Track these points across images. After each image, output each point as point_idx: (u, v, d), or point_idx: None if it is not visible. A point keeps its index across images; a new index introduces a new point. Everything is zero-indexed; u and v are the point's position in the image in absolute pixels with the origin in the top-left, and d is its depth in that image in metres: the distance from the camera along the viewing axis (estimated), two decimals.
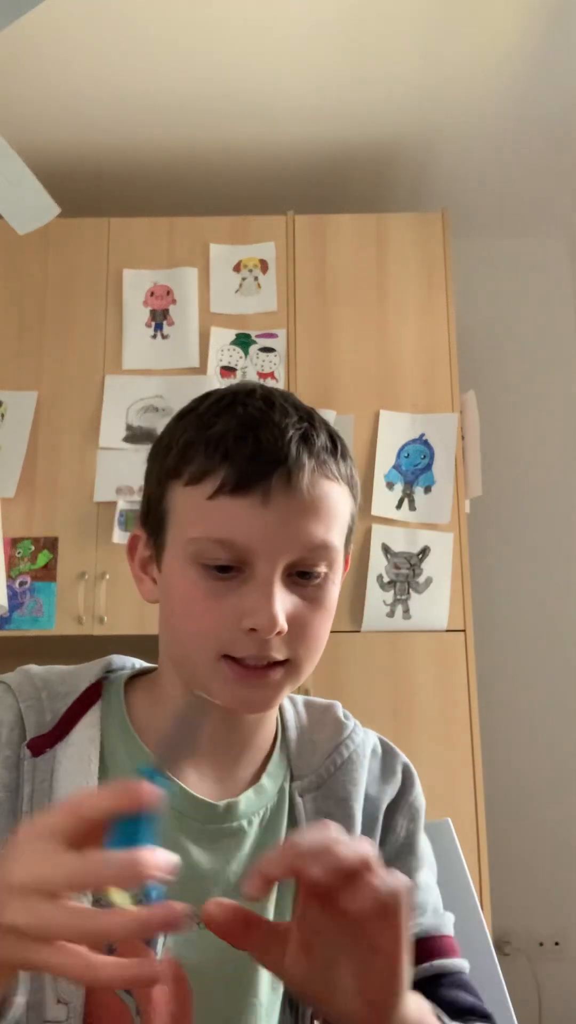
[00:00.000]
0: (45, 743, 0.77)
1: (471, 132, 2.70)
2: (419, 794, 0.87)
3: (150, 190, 2.92)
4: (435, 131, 2.70)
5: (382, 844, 0.83)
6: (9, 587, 2.41)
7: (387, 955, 0.56)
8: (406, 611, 2.36)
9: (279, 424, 0.74)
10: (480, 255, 3.12)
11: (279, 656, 0.72)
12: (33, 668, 0.82)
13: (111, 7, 2.25)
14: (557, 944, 2.72)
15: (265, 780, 0.80)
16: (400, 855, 0.83)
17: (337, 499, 0.76)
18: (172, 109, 2.60)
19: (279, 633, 0.70)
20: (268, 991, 0.73)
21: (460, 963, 0.80)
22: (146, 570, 0.79)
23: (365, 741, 0.86)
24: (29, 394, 2.54)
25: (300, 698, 0.89)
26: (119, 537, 2.42)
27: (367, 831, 0.82)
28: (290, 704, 0.87)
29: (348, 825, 0.79)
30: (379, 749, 0.87)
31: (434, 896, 0.84)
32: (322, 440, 0.76)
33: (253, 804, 0.79)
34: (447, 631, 2.35)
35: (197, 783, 0.78)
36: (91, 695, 0.80)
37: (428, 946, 0.80)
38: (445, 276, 2.60)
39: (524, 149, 2.77)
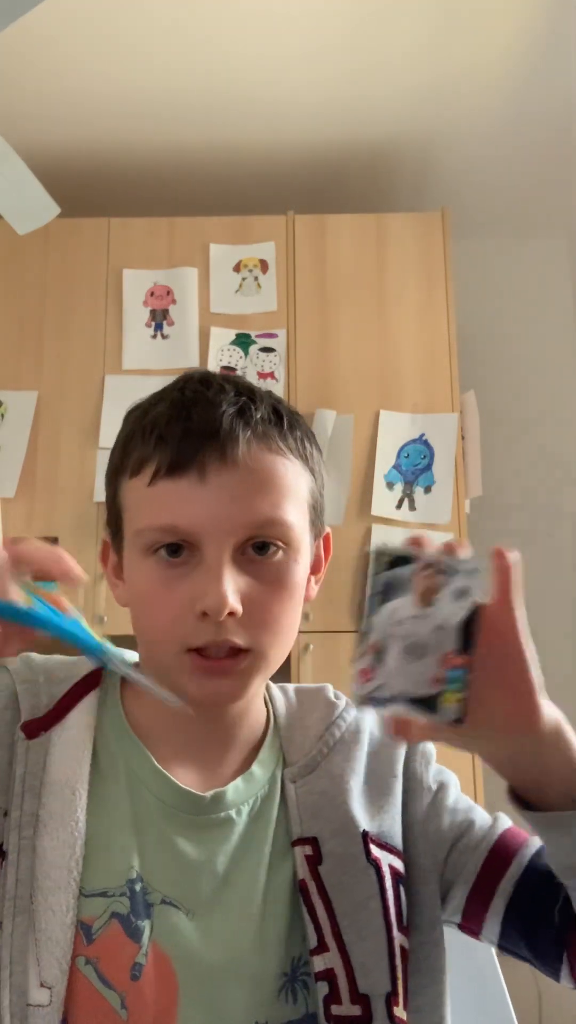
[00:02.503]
0: (40, 726, 0.77)
1: (471, 132, 2.70)
2: (429, 743, 0.86)
3: (150, 190, 2.92)
4: (435, 131, 2.70)
5: (408, 792, 0.82)
6: None
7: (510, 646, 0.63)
8: None
9: (212, 401, 0.73)
10: (480, 255, 3.12)
11: (239, 641, 0.71)
12: (34, 655, 0.82)
13: (111, 7, 2.25)
14: None
15: (255, 768, 0.80)
16: (438, 797, 0.82)
17: (284, 472, 0.73)
18: (172, 109, 2.60)
19: (232, 614, 0.69)
20: (259, 983, 0.72)
21: (533, 840, 0.80)
22: (117, 575, 0.79)
23: (361, 717, 0.85)
24: (29, 394, 2.54)
25: (291, 686, 0.89)
26: None
27: (383, 787, 0.81)
28: (280, 692, 0.87)
29: (346, 800, 0.78)
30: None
31: (477, 806, 0.84)
32: (262, 413, 0.74)
33: (242, 793, 0.78)
34: None
35: (184, 775, 0.77)
36: (89, 682, 0.80)
37: (505, 846, 0.81)
38: (445, 276, 2.60)
39: (524, 149, 2.77)
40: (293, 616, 0.75)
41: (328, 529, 0.82)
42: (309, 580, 0.79)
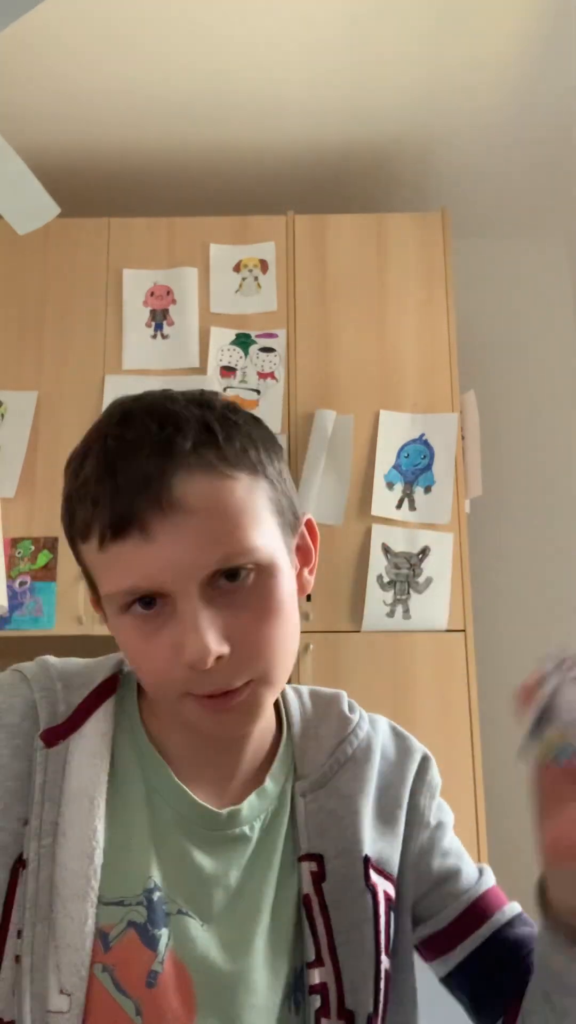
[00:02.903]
0: (58, 735, 0.76)
1: (471, 132, 2.70)
2: (436, 773, 0.87)
3: (150, 190, 2.92)
4: (435, 131, 2.70)
5: (410, 824, 0.83)
6: (9, 587, 2.41)
7: None
8: (406, 611, 2.36)
9: (134, 446, 0.68)
10: (480, 255, 3.12)
11: (237, 682, 0.69)
12: (51, 659, 0.81)
13: (111, 7, 2.25)
14: None
15: (268, 782, 0.80)
16: (435, 835, 0.84)
17: (229, 495, 0.68)
18: (172, 109, 2.60)
19: (220, 658, 0.67)
20: (268, 992, 0.74)
21: (514, 907, 0.84)
22: (98, 607, 0.77)
23: (373, 733, 0.85)
24: (29, 394, 2.54)
25: (306, 689, 0.87)
26: None
27: (388, 815, 0.82)
28: (295, 695, 0.85)
29: (353, 822, 0.79)
30: (390, 731, 0.87)
31: (467, 856, 0.86)
32: (192, 438, 0.68)
33: (255, 809, 0.78)
34: (447, 631, 2.35)
35: (199, 788, 0.78)
36: (106, 688, 0.80)
37: (484, 905, 0.83)
38: (445, 276, 2.60)
39: (524, 149, 2.77)
40: (286, 631, 0.72)
41: (308, 514, 0.79)
42: (302, 572, 0.77)
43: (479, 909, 0.83)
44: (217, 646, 0.66)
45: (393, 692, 2.31)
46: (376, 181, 2.90)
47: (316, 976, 0.74)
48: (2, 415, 2.53)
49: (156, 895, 0.73)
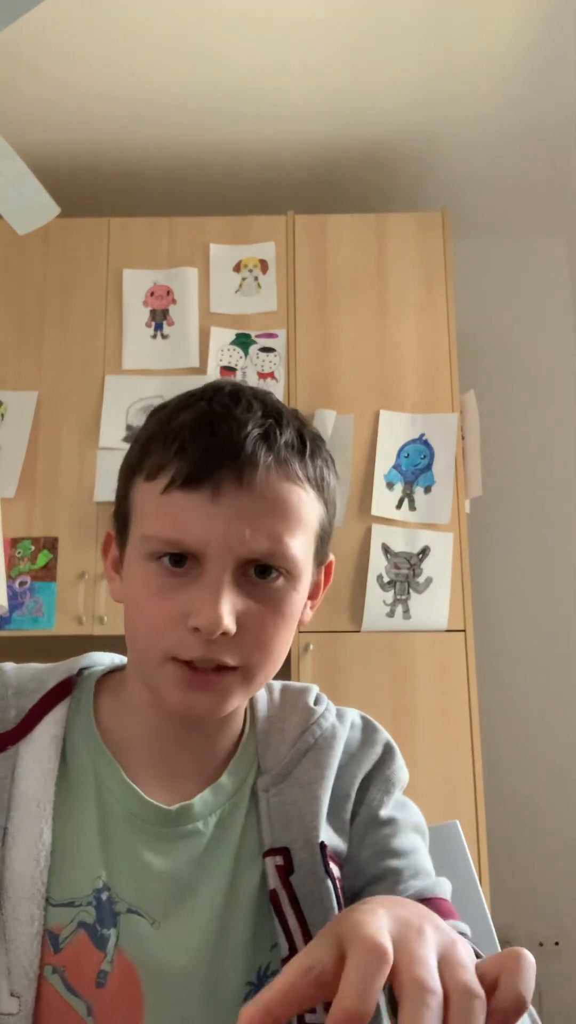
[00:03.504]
0: (7, 740, 0.76)
1: (471, 132, 2.70)
2: (399, 768, 0.84)
3: (150, 190, 2.92)
4: (435, 131, 2.70)
5: (354, 816, 0.80)
6: (9, 587, 2.41)
7: None
8: (406, 611, 2.36)
9: (239, 419, 0.72)
10: (480, 255, 3.12)
11: (229, 661, 0.70)
12: (7, 666, 0.82)
13: (111, 7, 2.25)
14: (557, 944, 2.72)
15: (225, 778, 0.79)
16: (384, 831, 0.80)
17: (298, 503, 0.73)
18: (172, 109, 2.60)
19: (225, 634, 0.68)
20: (225, 990, 0.73)
21: (459, 925, 0.75)
22: (116, 569, 0.79)
23: (339, 724, 0.83)
24: (29, 394, 2.54)
25: (278, 684, 0.87)
26: None
27: (337, 805, 0.80)
28: (265, 691, 0.85)
29: (312, 810, 0.77)
30: (359, 723, 0.85)
31: (424, 861, 0.80)
32: (287, 438, 0.73)
33: (209, 805, 0.78)
34: (447, 631, 2.35)
35: (153, 785, 0.77)
36: (59, 692, 0.80)
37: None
38: (445, 276, 2.60)
39: (524, 149, 2.77)
40: (285, 641, 0.74)
41: (331, 558, 0.81)
42: (305, 606, 0.79)
43: None
44: (229, 621, 0.68)
45: (393, 692, 2.31)
46: (376, 181, 2.90)
47: None
48: (2, 415, 2.53)
49: (104, 895, 0.73)
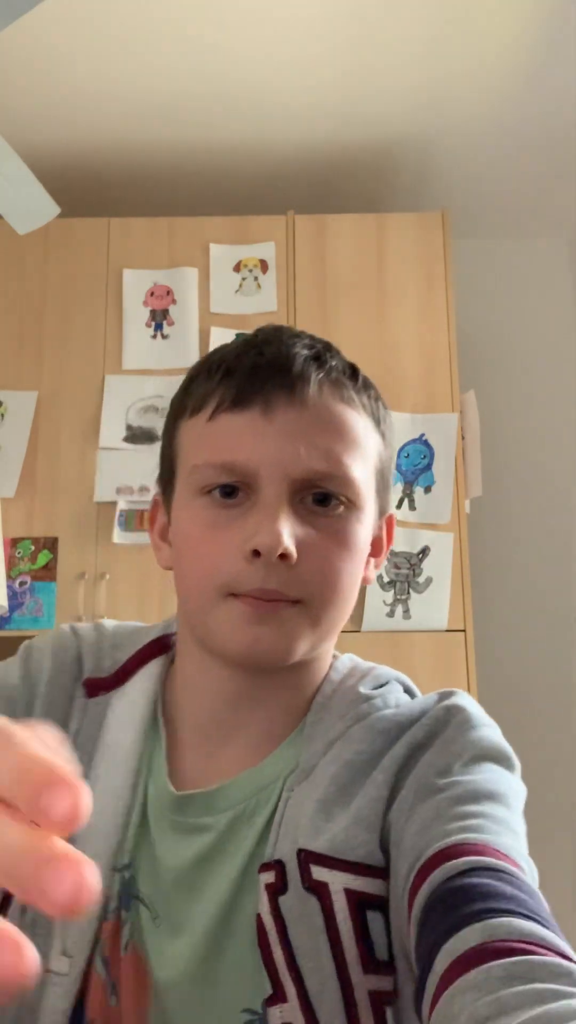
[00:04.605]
0: (100, 687, 0.74)
1: (471, 133, 2.70)
2: (469, 732, 0.65)
3: (150, 190, 2.92)
4: (435, 132, 2.70)
5: (392, 800, 0.64)
6: (9, 587, 2.40)
7: None
8: (406, 611, 2.36)
9: (287, 341, 0.68)
10: (480, 255, 3.12)
11: (289, 592, 0.63)
12: (106, 621, 0.81)
13: (110, 6, 2.25)
14: None
15: (266, 763, 0.69)
16: (419, 795, 0.62)
17: (355, 425, 0.67)
18: (172, 109, 2.60)
19: (285, 557, 0.62)
20: (229, 1013, 0.64)
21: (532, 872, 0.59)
22: (164, 537, 0.73)
23: (387, 714, 0.68)
24: (29, 394, 2.54)
25: (366, 665, 0.75)
26: (119, 537, 2.42)
27: (366, 797, 0.64)
28: (341, 666, 0.75)
29: (310, 808, 0.64)
30: (433, 712, 0.68)
31: (519, 840, 0.61)
32: (338, 363, 0.69)
33: (231, 797, 0.68)
34: (447, 631, 2.35)
35: (193, 763, 0.70)
36: (154, 648, 0.76)
37: (463, 851, 0.56)
38: (445, 276, 2.60)
39: (524, 149, 2.77)
40: (351, 578, 0.67)
41: (393, 511, 0.75)
42: (368, 562, 0.72)
43: (453, 853, 0.56)
44: (288, 541, 0.63)
45: None
46: (376, 182, 2.90)
47: (277, 1016, 0.61)
48: (2, 415, 2.53)
49: (128, 873, 0.69)
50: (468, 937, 0.49)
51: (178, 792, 0.69)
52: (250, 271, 2.62)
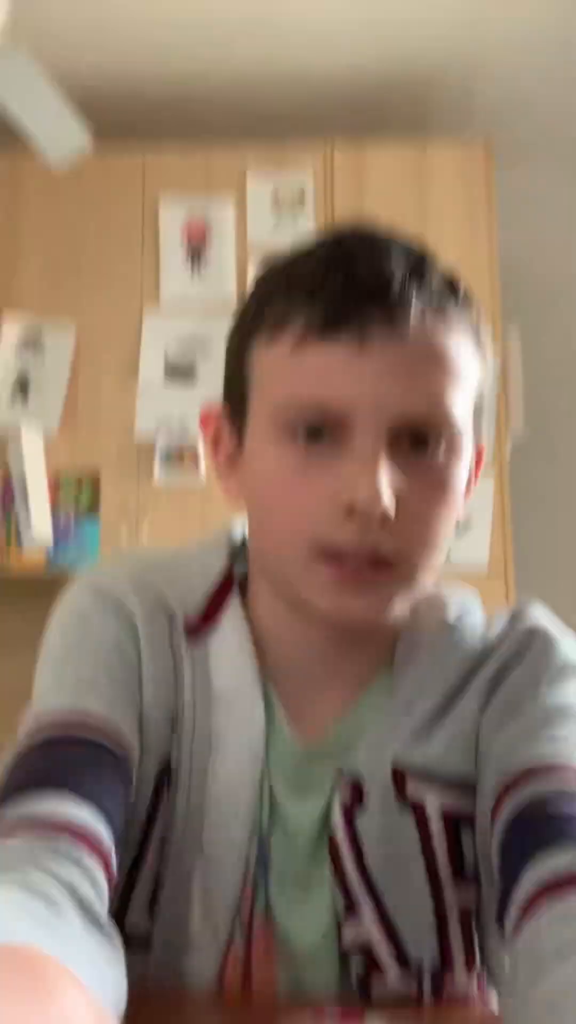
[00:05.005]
0: (199, 630, 0.66)
1: (516, 57, 2.59)
2: (554, 653, 0.65)
3: (187, 114, 2.85)
4: (479, 54, 2.60)
5: (482, 715, 0.65)
6: (54, 522, 2.44)
7: None
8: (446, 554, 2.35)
9: (381, 251, 0.59)
10: (525, 183, 3.02)
11: (385, 547, 0.57)
12: (146, 550, 0.72)
13: None
14: None
15: (364, 703, 0.66)
16: (505, 715, 0.63)
17: (458, 354, 0.60)
18: (210, 33, 2.53)
19: (383, 516, 0.56)
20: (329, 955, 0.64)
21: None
22: (232, 465, 0.66)
23: (475, 642, 0.67)
24: (68, 328, 2.53)
25: (443, 591, 0.72)
26: (161, 476, 2.43)
27: (454, 716, 0.65)
28: (438, 599, 0.71)
29: (397, 727, 0.64)
30: (516, 634, 0.67)
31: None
32: (438, 277, 0.61)
33: (343, 735, 0.65)
34: (486, 574, 2.34)
35: (300, 710, 0.67)
36: (228, 586, 0.69)
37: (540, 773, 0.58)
38: (488, 206, 2.54)
39: (572, 75, 2.66)
40: (449, 527, 0.61)
41: (484, 440, 0.68)
42: None
43: (541, 772, 0.58)
44: (388, 498, 0.56)
45: None
46: (417, 107, 2.81)
47: (352, 932, 0.62)
48: (42, 350, 2.53)
49: (265, 836, 0.65)
50: (556, 862, 0.51)
51: (302, 747, 0.65)
52: (288, 202, 2.57)
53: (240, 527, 0.72)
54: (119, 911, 0.62)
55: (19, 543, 2.40)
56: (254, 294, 0.63)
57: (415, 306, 0.58)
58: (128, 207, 2.60)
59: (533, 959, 0.47)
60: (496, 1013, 0.64)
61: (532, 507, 2.87)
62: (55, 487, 2.46)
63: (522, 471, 2.78)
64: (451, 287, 0.62)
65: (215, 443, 0.68)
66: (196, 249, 2.57)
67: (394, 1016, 0.52)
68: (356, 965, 0.62)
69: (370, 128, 2.84)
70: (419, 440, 0.58)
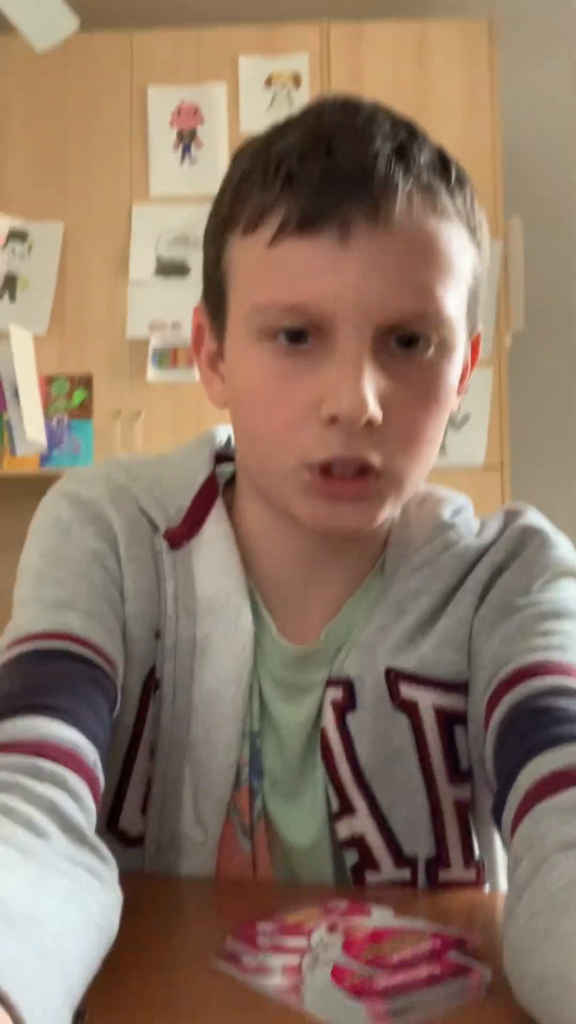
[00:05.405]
0: (181, 536, 0.65)
1: None
2: (549, 553, 0.65)
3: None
4: None
5: (475, 615, 0.64)
6: (47, 426, 2.42)
7: None
8: (442, 448, 2.33)
9: (362, 133, 0.54)
10: (529, 69, 2.89)
11: (373, 459, 0.56)
12: (122, 456, 0.72)
13: None
14: None
15: (354, 604, 0.66)
16: (500, 614, 0.63)
17: (448, 243, 0.56)
18: None
19: (369, 424, 0.54)
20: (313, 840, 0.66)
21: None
22: (214, 367, 0.63)
23: (472, 542, 0.66)
24: (55, 225, 2.46)
25: (435, 489, 0.72)
26: (154, 375, 2.40)
27: (446, 618, 0.64)
28: (419, 497, 0.70)
29: (387, 630, 0.64)
30: (510, 532, 0.67)
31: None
32: (426, 157, 0.56)
33: (334, 637, 0.65)
34: (484, 468, 2.34)
35: (289, 614, 0.66)
36: (212, 493, 0.68)
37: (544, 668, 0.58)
38: (491, 91, 2.44)
39: None
40: (438, 433, 0.60)
41: (480, 328, 0.64)
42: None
43: (531, 671, 0.59)
44: (373, 405, 0.54)
45: None
46: None
47: (346, 828, 0.64)
48: (28, 247, 2.47)
49: (257, 741, 0.66)
50: (554, 759, 0.52)
51: (292, 649, 0.65)
52: (282, 86, 2.47)
53: (224, 430, 0.71)
54: (112, 815, 0.64)
55: (12, 451, 2.39)
56: (229, 181, 0.59)
57: (401, 192, 0.54)
58: (116, 94, 2.49)
59: (534, 853, 0.48)
60: (491, 895, 0.67)
61: (529, 402, 2.85)
62: (46, 390, 2.44)
63: (520, 366, 2.74)
64: (442, 167, 0.58)
65: (196, 343, 0.65)
66: (187, 138, 2.47)
67: (397, 910, 0.54)
68: (350, 859, 0.64)
69: (369, 11, 2.70)
70: (408, 339, 0.56)
